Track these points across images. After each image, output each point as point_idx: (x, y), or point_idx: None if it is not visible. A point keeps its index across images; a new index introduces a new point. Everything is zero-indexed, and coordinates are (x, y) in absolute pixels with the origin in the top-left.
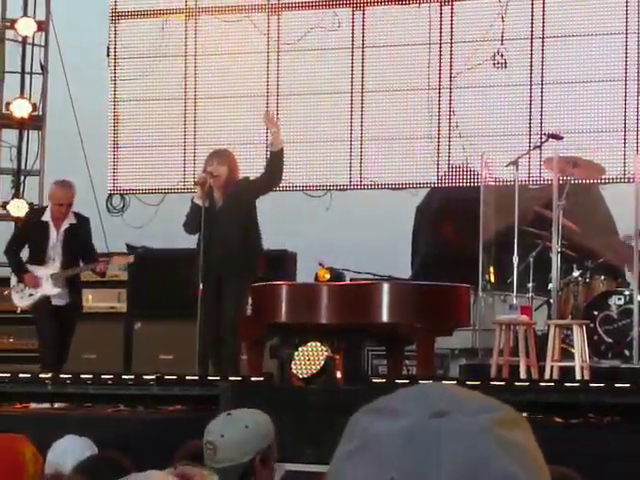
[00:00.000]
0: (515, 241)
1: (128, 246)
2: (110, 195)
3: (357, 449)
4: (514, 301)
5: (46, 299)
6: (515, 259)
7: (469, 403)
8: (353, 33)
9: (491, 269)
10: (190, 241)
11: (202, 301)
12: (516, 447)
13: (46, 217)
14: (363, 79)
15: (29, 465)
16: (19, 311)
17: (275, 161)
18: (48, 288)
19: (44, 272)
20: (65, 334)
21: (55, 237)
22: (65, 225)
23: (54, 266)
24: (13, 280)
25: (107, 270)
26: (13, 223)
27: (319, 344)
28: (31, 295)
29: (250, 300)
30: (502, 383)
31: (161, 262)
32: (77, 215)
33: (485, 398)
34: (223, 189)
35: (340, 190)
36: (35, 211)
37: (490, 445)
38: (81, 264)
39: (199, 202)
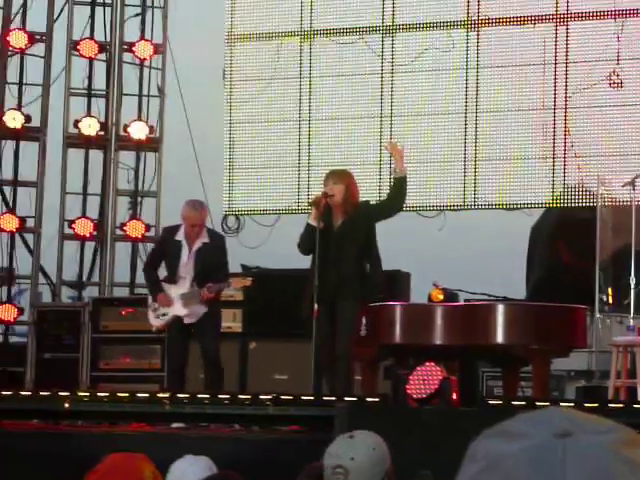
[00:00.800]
0: (632, 262)
1: (243, 266)
2: (225, 216)
3: (483, 471)
4: (631, 323)
5: (178, 319)
6: (632, 280)
7: (591, 424)
8: (467, 53)
9: (609, 290)
10: (304, 261)
11: (317, 321)
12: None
13: (179, 236)
14: (477, 99)
15: None
16: (154, 330)
17: (398, 188)
18: (178, 308)
19: (175, 291)
20: (206, 351)
21: (186, 256)
22: (198, 244)
23: (184, 285)
24: (150, 299)
25: (212, 296)
26: (130, 244)
27: (434, 365)
28: (164, 315)
29: (364, 321)
30: (620, 405)
31: (276, 282)
32: (212, 233)
33: (605, 420)
34: (341, 208)
35: (454, 210)
36: (169, 229)
37: (615, 464)
38: (208, 284)
39: (313, 223)
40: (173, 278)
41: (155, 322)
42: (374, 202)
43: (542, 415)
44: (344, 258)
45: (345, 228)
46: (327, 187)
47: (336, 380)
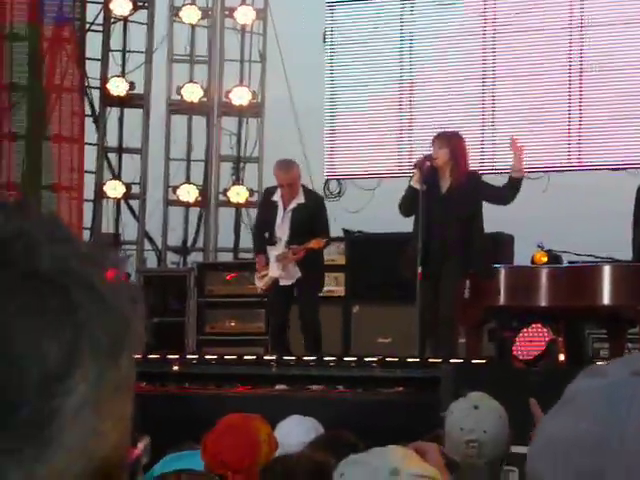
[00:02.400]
0: None
1: (345, 231)
2: (327, 180)
3: (560, 405)
4: None
5: (276, 280)
6: None
7: None
8: (572, 11)
9: None
10: (407, 225)
11: (421, 284)
12: None
13: (276, 197)
14: (581, 58)
15: (264, 445)
16: (259, 291)
17: (513, 188)
18: (274, 269)
19: (272, 253)
20: (303, 313)
21: (281, 217)
22: (293, 205)
23: (280, 247)
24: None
25: (299, 257)
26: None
27: (541, 326)
28: (264, 276)
29: (468, 284)
30: None
31: (378, 246)
32: (309, 193)
33: None
34: (447, 173)
35: (558, 171)
36: (268, 190)
37: None
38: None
39: (416, 185)
40: (272, 239)
41: (258, 283)
42: (486, 181)
43: (630, 357)
44: (449, 222)
45: (451, 193)
46: (433, 150)
47: (440, 343)
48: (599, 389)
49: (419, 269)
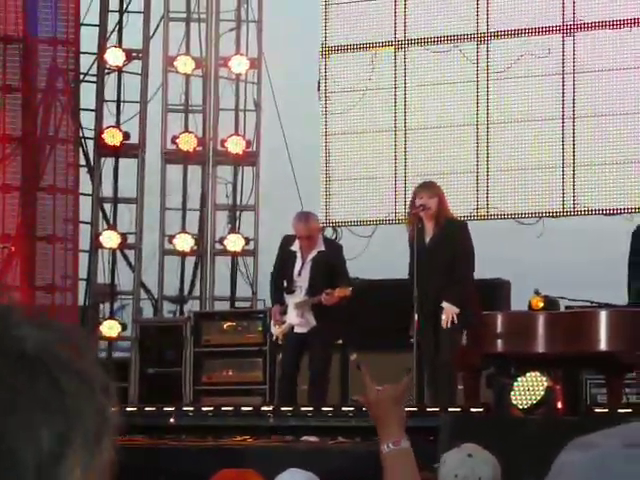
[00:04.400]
0: None
1: None
2: (323, 228)
3: (549, 479)
4: None
5: (292, 328)
6: None
7: None
8: (564, 59)
9: None
10: (403, 272)
11: (418, 332)
12: None
13: (295, 247)
14: (574, 105)
15: None
16: (274, 339)
17: (458, 283)
18: (292, 317)
19: (291, 301)
20: (312, 362)
21: (300, 266)
22: (312, 254)
23: (300, 295)
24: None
25: (330, 302)
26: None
27: (539, 374)
28: (283, 323)
29: (465, 330)
30: None
31: (375, 293)
32: (328, 242)
33: None
34: (434, 220)
35: (552, 217)
36: (286, 239)
37: None
38: (324, 292)
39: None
40: (290, 288)
41: (274, 331)
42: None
43: (621, 428)
44: (438, 270)
45: (436, 239)
46: (422, 199)
47: (440, 390)
48: (590, 461)
49: (415, 317)
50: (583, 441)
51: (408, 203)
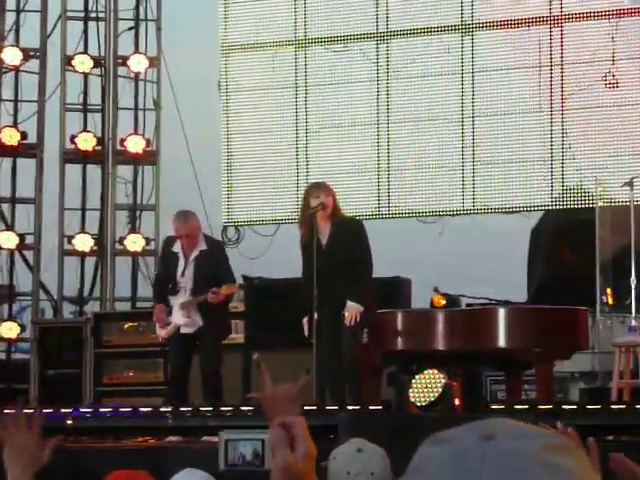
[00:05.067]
0: (632, 262)
1: (244, 277)
2: (225, 227)
3: (407, 476)
4: (633, 323)
5: (178, 329)
6: (633, 280)
7: (520, 430)
8: (462, 58)
9: (608, 291)
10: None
11: (318, 330)
12: (564, 472)
13: (176, 247)
14: (474, 104)
15: None
16: (160, 340)
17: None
18: (178, 318)
19: (175, 302)
20: (203, 361)
21: (183, 267)
22: (194, 253)
23: (184, 296)
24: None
25: (217, 300)
26: (130, 258)
27: (436, 371)
28: (167, 325)
29: (366, 328)
30: (623, 406)
31: (277, 292)
32: (208, 240)
33: (540, 428)
34: (330, 220)
35: (453, 215)
36: (167, 241)
37: (535, 468)
38: (210, 290)
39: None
40: (174, 289)
41: (159, 332)
42: (360, 240)
43: (477, 423)
44: (337, 268)
45: (332, 240)
46: (319, 199)
47: (351, 389)
48: (447, 456)
49: (315, 315)
50: (440, 436)
51: (300, 205)
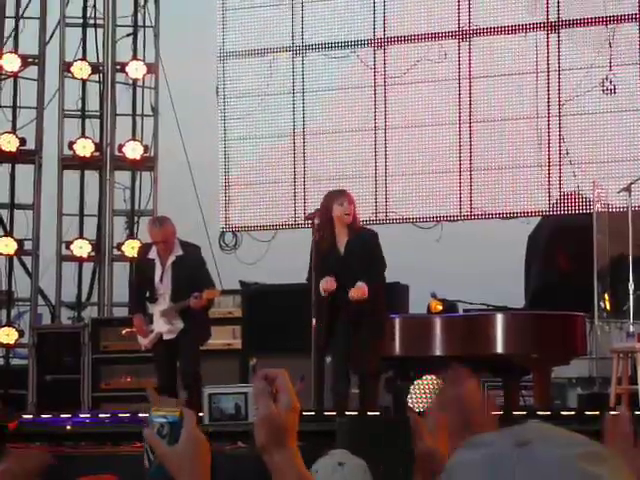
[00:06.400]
0: (630, 267)
1: (242, 283)
2: (222, 233)
3: (444, 478)
4: (631, 329)
5: (160, 337)
6: (631, 286)
7: (557, 436)
8: (459, 64)
9: (606, 296)
10: (303, 276)
11: (316, 336)
12: None
13: (152, 254)
14: (471, 109)
15: None
16: (142, 348)
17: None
18: (160, 325)
19: (156, 309)
20: (182, 362)
21: (160, 273)
22: (171, 259)
23: (164, 303)
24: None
25: (200, 305)
26: (128, 264)
27: (434, 377)
28: (149, 333)
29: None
30: None
31: (274, 297)
32: (185, 245)
33: (577, 435)
34: (348, 228)
35: (450, 221)
36: (142, 248)
37: (567, 476)
38: (192, 295)
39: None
40: (153, 297)
41: (142, 341)
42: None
43: (515, 427)
44: (353, 276)
45: (349, 248)
46: (343, 206)
47: (368, 396)
48: (481, 461)
49: (313, 321)
50: (476, 440)
51: (319, 208)
